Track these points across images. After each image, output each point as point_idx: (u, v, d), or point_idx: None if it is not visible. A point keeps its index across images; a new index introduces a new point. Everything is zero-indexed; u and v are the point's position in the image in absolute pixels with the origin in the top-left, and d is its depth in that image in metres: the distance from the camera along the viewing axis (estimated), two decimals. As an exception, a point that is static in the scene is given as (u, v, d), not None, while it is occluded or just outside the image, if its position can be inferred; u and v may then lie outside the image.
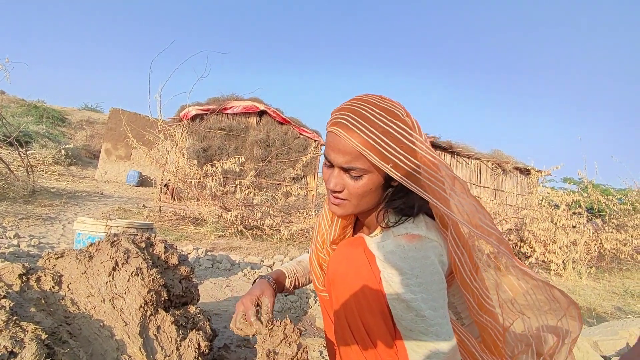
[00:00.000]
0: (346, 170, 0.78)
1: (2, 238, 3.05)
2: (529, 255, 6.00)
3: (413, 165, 0.73)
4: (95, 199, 6.61)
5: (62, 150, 10.57)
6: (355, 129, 0.73)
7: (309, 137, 9.53)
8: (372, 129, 0.72)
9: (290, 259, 3.61)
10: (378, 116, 0.73)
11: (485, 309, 0.79)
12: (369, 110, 0.74)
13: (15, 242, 2.95)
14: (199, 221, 5.28)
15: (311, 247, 1.09)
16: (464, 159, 8.30)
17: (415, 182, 0.73)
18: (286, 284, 1.10)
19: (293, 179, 9.07)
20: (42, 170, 8.93)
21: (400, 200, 0.79)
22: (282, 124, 9.30)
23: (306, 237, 5.05)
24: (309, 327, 1.95)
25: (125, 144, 10.86)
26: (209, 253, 3.34)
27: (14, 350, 0.77)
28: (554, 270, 5.87)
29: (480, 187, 8.34)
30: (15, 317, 0.82)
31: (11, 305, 0.86)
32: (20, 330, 0.80)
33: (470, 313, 0.80)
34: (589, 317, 3.69)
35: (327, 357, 1.56)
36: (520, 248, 5.11)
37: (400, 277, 0.72)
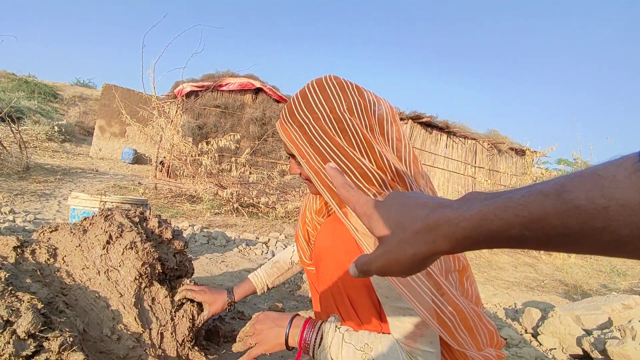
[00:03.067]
0: (292, 156, 0.86)
1: (-3, 213, 3.05)
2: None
3: (321, 167, 0.74)
4: (90, 176, 6.59)
5: (55, 126, 10.43)
6: (283, 121, 0.80)
7: (305, 116, 9.43)
8: (292, 122, 0.78)
9: (286, 237, 3.66)
10: (301, 110, 0.76)
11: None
12: (296, 104, 0.78)
13: (10, 217, 2.96)
14: (194, 199, 5.30)
15: (298, 222, 1.11)
16: (460, 139, 8.30)
17: (324, 184, 0.75)
18: (258, 292, 1.24)
19: (289, 157, 9.04)
20: (36, 147, 8.84)
21: None
22: (278, 102, 9.19)
23: (301, 215, 5.09)
24: (302, 300, 2.00)
25: (119, 121, 10.72)
26: (205, 230, 3.37)
27: (10, 319, 0.79)
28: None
29: (475, 167, 8.38)
30: (10, 288, 0.84)
31: (6, 276, 0.87)
32: (16, 299, 0.82)
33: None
34: (575, 293, 3.80)
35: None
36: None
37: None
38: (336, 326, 0.81)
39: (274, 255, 2.65)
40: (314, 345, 0.81)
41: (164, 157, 7.58)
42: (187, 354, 1.06)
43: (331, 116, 0.73)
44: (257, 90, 9.13)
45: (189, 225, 3.46)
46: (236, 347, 0.93)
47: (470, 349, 0.69)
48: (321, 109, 0.74)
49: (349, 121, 0.73)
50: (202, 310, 1.24)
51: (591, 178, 0.25)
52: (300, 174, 0.86)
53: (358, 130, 0.73)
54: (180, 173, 6.86)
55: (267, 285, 1.23)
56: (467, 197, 0.33)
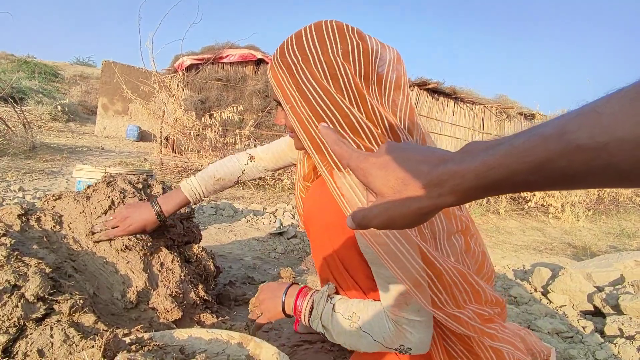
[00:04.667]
0: (279, 104, 0.79)
1: (7, 192, 3.08)
2: (528, 199, 6.05)
3: (308, 116, 0.68)
4: (96, 154, 6.61)
5: (58, 106, 10.38)
6: (273, 63, 0.74)
7: (308, 86, 9.25)
8: (281, 63, 0.71)
9: (292, 207, 3.66)
10: (292, 50, 0.70)
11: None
12: (287, 45, 0.71)
13: (20, 194, 2.99)
14: (201, 173, 5.30)
15: (294, 188, 1.08)
16: (468, 105, 8.09)
17: (310, 139, 0.69)
18: (192, 205, 1.10)
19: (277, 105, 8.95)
20: (40, 127, 8.84)
21: None
22: (280, 72, 8.98)
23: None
24: (311, 267, 2.01)
25: (122, 98, 10.61)
26: (212, 202, 3.38)
27: (17, 283, 0.78)
28: (552, 213, 5.96)
29: (483, 133, 8.22)
30: (16, 253, 0.83)
31: (12, 242, 0.87)
32: (22, 264, 0.81)
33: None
34: (584, 255, 3.80)
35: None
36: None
37: None
38: (328, 295, 0.81)
39: (281, 225, 2.66)
40: (305, 314, 0.81)
41: (169, 133, 7.55)
42: (199, 317, 1.06)
43: (322, 59, 0.67)
44: (259, 62, 8.91)
45: (196, 198, 3.47)
46: (250, 317, 0.95)
47: (445, 306, 0.65)
48: (313, 51, 0.67)
49: (340, 66, 0.67)
50: (215, 272, 1.24)
51: (591, 115, 0.24)
52: (286, 125, 0.80)
53: (350, 77, 0.67)
54: (185, 148, 6.84)
55: (201, 199, 1.09)
56: (467, 149, 0.32)
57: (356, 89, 0.67)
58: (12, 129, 5.55)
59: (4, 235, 0.88)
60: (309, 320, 0.81)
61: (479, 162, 0.29)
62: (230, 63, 8.70)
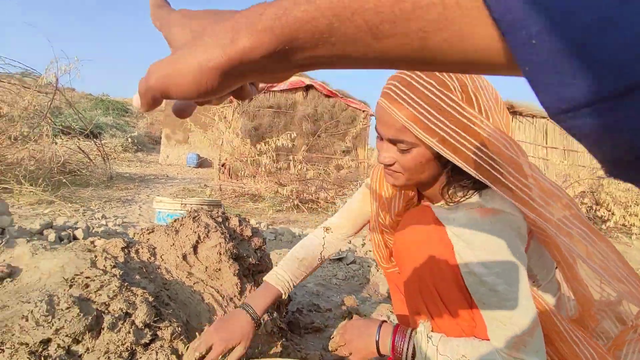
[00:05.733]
0: (394, 143, 0.75)
1: (93, 219, 3.45)
2: (606, 219, 5.52)
3: (464, 141, 0.66)
4: (162, 181, 7.17)
5: (128, 138, 11.49)
6: (399, 100, 0.69)
7: (356, 109, 9.37)
8: (417, 99, 0.68)
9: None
10: (426, 85, 0.67)
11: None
12: (417, 80, 0.68)
13: (103, 222, 3.33)
14: (256, 197, 5.53)
15: (370, 224, 1.06)
16: (528, 118, 7.68)
17: (466, 159, 0.66)
18: (283, 297, 1.01)
19: (343, 151, 9.05)
20: (115, 158, 9.81)
21: (466, 174, 0.72)
22: (328, 96, 9.22)
23: (361, 209, 5.09)
24: (373, 293, 2.00)
25: (182, 129, 11.49)
26: (270, 227, 3.51)
27: (128, 311, 0.89)
28: (636, 234, 5.36)
29: (547, 148, 7.71)
30: (126, 283, 0.95)
31: (120, 273, 0.99)
32: (131, 294, 0.92)
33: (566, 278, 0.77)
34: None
35: (393, 321, 1.60)
36: (595, 212, 4.72)
37: (473, 251, 0.70)
38: (427, 336, 0.78)
39: (340, 250, 2.68)
40: (407, 356, 0.79)
41: (225, 159, 7.99)
42: (277, 344, 1.11)
43: (453, 77, 0.68)
44: (307, 87, 9.24)
45: (256, 223, 3.62)
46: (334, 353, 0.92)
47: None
48: (439, 74, 0.68)
49: (467, 80, 0.69)
50: (283, 303, 1.29)
51: None
52: (393, 164, 0.78)
53: (473, 91, 0.69)
54: (241, 173, 7.20)
55: (292, 287, 1.02)
56: None
57: (482, 102, 0.69)
58: (93, 161, 6.24)
59: (114, 267, 1.00)
60: None
61: (281, 2, 0.23)
62: (281, 91, 9.12)
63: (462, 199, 0.76)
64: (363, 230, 1.19)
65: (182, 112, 0.33)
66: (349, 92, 9.38)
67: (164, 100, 0.31)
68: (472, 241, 0.70)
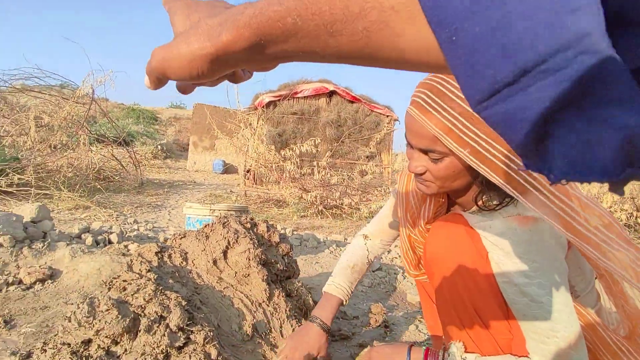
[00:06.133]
0: (425, 152, 0.74)
1: (126, 223, 3.58)
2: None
3: (495, 152, 0.63)
4: (190, 187, 7.36)
5: (158, 145, 11.91)
6: (430, 109, 0.67)
7: (380, 114, 9.32)
8: (449, 109, 0.65)
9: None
10: (458, 93, 0.65)
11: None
12: (448, 88, 0.66)
13: (135, 226, 3.45)
14: (281, 203, 5.58)
15: (401, 231, 1.04)
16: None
17: (496, 170, 0.63)
18: (344, 304, 1.08)
19: (367, 157, 9.02)
20: (145, 165, 10.18)
21: None
22: (352, 102, 9.23)
23: (385, 215, 5.04)
24: (400, 302, 1.97)
25: (209, 136, 11.78)
26: (295, 232, 3.53)
27: (163, 315, 0.92)
28: (682, 243, 5.02)
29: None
30: (160, 287, 0.98)
31: (155, 277, 1.02)
32: (165, 298, 0.95)
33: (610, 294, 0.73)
34: None
35: (422, 331, 1.57)
36: (636, 218, 4.46)
37: (513, 260, 0.68)
38: (462, 358, 0.76)
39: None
40: None
41: (250, 165, 8.13)
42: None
43: None
44: (331, 94, 9.29)
45: (281, 229, 3.65)
46: None
47: None
48: None
49: None
50: (313, 307, 1.29)
51: None
52: (425, 173, 0.77)
53: None
54: (266, 179, 7.30)
55: (350, 293, 1.10)
56: None
57: None
58: (126, 168, 6.50)
59: (149, 271, 1.04)
60: None
61: (259, 1, 0.27)
62: (304, 97, 9.21)
63: (497, 207, 0.74)
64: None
65: (183, 90, 0.38)
66: (373, 97, 9.35)
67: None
68: (511, 250, 0.68)
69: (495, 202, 0.75)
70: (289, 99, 9.07)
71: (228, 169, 11.48)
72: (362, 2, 0.23)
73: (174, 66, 0.30)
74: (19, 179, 3.75)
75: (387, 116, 9.41)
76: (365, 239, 1.15)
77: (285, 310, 1.17)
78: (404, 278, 2.26)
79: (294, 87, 9.04)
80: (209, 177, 10.43)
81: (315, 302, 1.37)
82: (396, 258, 2.76)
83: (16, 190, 3.71)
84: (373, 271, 2.36)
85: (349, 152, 8.95)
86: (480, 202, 0.77)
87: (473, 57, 0.18)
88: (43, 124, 5.65)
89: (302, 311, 1.29)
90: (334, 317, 1.04)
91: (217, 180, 9.70)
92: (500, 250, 0.70)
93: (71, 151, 5.29)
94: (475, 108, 0.20)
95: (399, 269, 2.40)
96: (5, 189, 3.61)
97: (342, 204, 5.05)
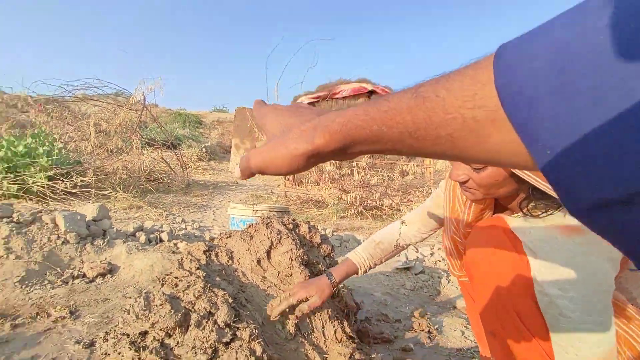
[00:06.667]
0: None
1: (174, 223, 3.78)
2: None
3: None
4: (232, 188, 7.62)
5: (202, 148, 12.45)
6: None
7: (420, 112, 9.11)
8: None
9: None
10: None
11: None
12: None
13: (183, 225, 3.63)
14: (320, 204, 5.62)
15: (443, 233, 1.06)
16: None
17: (541, 177, 0.62)
18: (359, 273, 1.20)
19: (408, 157, 8.84)
20: (191, 167, 10.68)
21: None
22: (391, 102, 9.09)
23: (427, 216, 4.91)
24: (445, 306, 1.91)
25: (250, 138, 12.14)
26: (335, 233, 3.53)
27: (211, 311, 0.96)
28: None
29: None
30: (209, 285, 1.02)
31: (203, 275, 1.07)
32: (213, 295, 0.99)
33: None
34: None
35: (468, 337, 1.51)
36: None
37: (549, 269, 0.64)
38: None
39: (407, 259, 2.61)
40: None
41: (290, 167, 8.26)
42: (347, 352, 1.11)
43: None
44: (370, 93, 9.21)
45: (321, 229, 3.67)
46: None
47: None
48: None
49: None
50: (355, 308, 1.29)
51: (446, 75, 0.25)
52: (467, 181, 0.77)
53: None
54: (305, 180, 7.38)
55: (370, 266, 1.19)
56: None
57: None
58: (174, 170, 6.86)
59: (198, 268, 1.09)
60: None
61: (350, 110, 0.32)
62: (343, 98, 9.20)
63: (542, 214, 0.71)
64: (430, 239, 1.22)
65: (247, 178, 0.44)
66: (413, 96, 9.16)
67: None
68: (549, 259, 0.65)
69: (540, 210, 0.72)
70: (327, 100, 9.10)
71: (268, 170, 11.76)
72: (443, 114, 0.25)
73: (276, 164, 0.36)
74: (81, 181, 4.08)
75: (428, 115, 9.16)
76: (402, 224, 1.20)
77: (327, 311, 1.18)
78: (449, 282, 2.18)
79: (333, 87, 9.07)
80: (250, 178, 10.73)
81: (357, 304, 1.36)
82: (440, 261, 2.68)
83: (79, 191, 4.04)
84: (416, 274, 2.30)
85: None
86: (525, 209, 0.74)
87: (573, 172, 0.19)
88: (101, 129, 6.12)
89: (343, 312, 1.29)
90: (344, 276, 1.16)
91: (257, 182, 9.95)
92: (539, 258, 0.66)
93: (125, 154, 5.67)
94: (573, 214, 0.20)
95: (442, 272, 2.33)
96: (70, 190, 3.94)
97: (382, 204, 4.98)
